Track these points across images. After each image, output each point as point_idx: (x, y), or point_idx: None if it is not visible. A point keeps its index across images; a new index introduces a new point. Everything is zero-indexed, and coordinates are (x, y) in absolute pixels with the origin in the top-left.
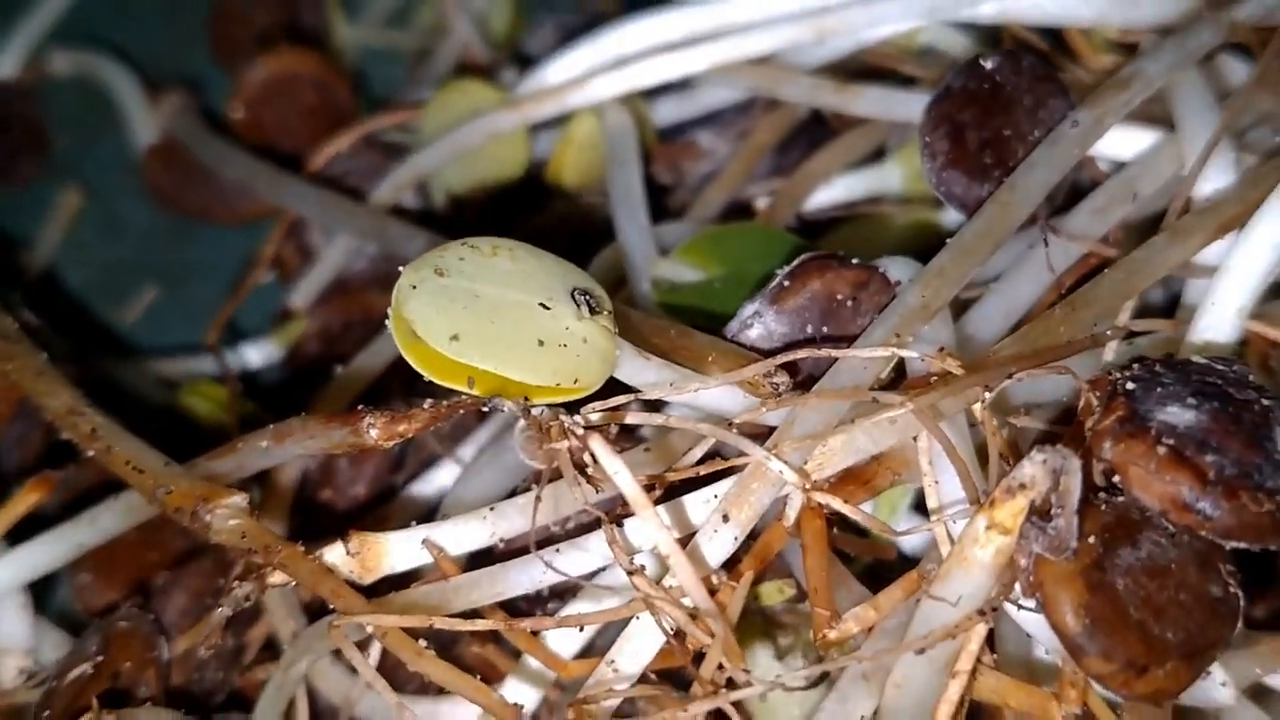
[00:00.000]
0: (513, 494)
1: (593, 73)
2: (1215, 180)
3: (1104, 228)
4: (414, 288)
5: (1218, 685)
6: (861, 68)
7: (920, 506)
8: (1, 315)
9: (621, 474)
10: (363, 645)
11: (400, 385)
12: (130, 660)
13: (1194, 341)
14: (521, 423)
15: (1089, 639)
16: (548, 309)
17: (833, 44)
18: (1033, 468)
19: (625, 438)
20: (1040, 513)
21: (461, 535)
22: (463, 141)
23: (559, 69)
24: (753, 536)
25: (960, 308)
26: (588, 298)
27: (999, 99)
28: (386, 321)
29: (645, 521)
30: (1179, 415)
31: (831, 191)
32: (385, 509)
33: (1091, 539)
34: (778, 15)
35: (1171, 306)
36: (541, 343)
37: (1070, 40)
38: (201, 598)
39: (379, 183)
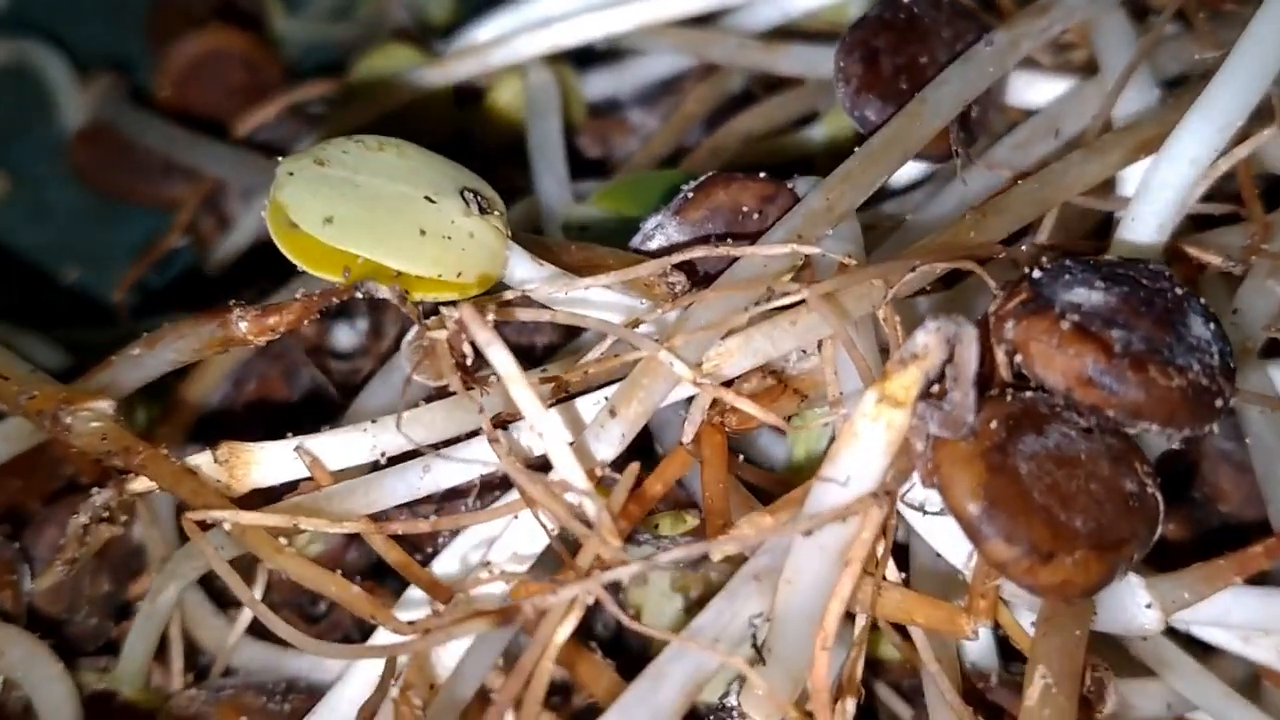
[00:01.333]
0: None
1: (517, 32)
2: (1135, 106)
3: (1025, 162)
4: (291, 175)
5: (1142, 608)
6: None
7: None
8: None
9: (502, 355)
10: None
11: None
12: None
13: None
14: (410, 335)
15: (988, 521)
16: (433, 202)
17: (762, 12)
18: (925, 336)
19: (522, 359)
20: (937, 396)
21: (340, 447)
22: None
23: (485, 30)
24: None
25: (875, 242)
26: (478, 197)
27: (916, 28)
28: (262, 212)
29: (524, 403)
30: (1086, 296)
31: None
32: None
33: (994, 424)
34: None
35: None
36: (423, 232)
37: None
38: None
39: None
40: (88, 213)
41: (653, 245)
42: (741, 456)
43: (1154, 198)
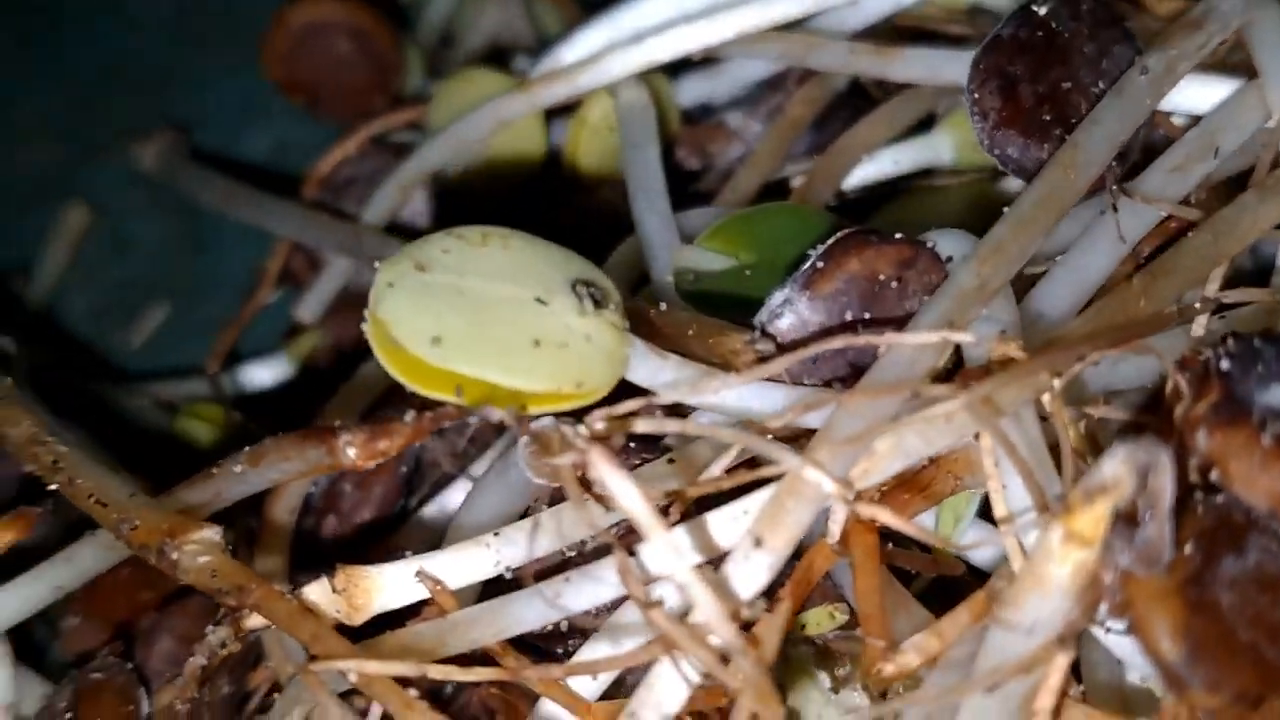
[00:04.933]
0: (524, 516)
1: (608, 50)
2: None
3: (1184, 189)
4: (390, 285)
5: None
6: (903, 32)
7: (990, 513)
8: None
9: (628, 491)
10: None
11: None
12: (104, 717)
13: None
14: (524, 436)
15: (1191, 667)
16: (545, 304)
17: (869, 6)
18: (1114, 466)
19: (645, 448)
20: (1126, 519)
21: (462, 565)
22: (470, 132)
23: (572, 49)
24: (796, 555)
25: (1024, 286)
26: (591, 290)
27: (1055, 47)
28: (363, 325)
29: (660, 548)
30: None
31: (875, 166)
32: (396, 536)
33: (1188, 548)
34: None
35: (1265, 273)
36: (538, 343)
37: None
38: (189, 643)
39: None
40: (172, 244)
41: (782, 324)
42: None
43: None
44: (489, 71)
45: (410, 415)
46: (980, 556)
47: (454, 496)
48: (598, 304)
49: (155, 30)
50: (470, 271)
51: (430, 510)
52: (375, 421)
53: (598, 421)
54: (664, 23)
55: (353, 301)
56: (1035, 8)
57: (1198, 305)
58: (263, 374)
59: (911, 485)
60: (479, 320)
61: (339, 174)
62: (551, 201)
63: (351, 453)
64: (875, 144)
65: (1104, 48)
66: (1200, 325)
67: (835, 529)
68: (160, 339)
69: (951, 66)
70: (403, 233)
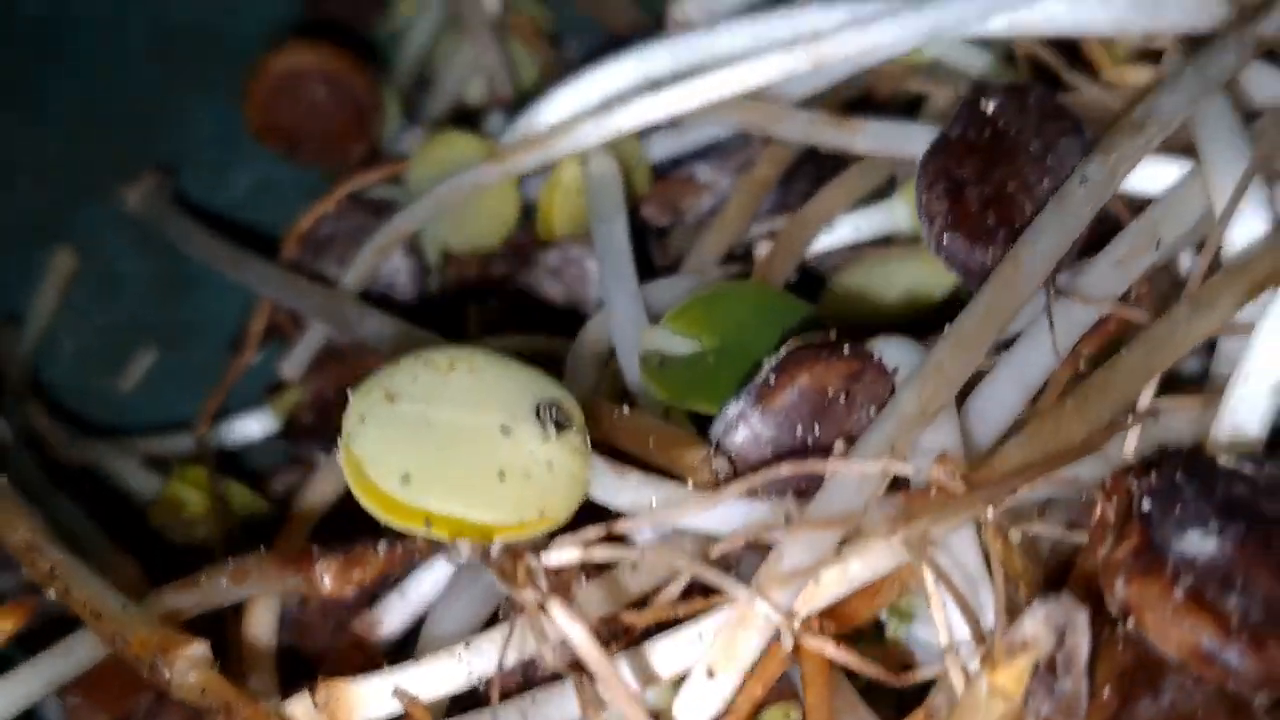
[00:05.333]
0: (493, 621)
1: (578, 117)
2: (1247, 227)
3: (1126, 282)
4: (362, 419)
5: None
6: (865, 88)
7: None
8: None
9: (583, 643)
10: None
11: None
12: None
13: (1224, 425)
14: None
15: None
16: (509, 432)
17: (830, 70)
18: (1034, 625)
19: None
20: (1048, 668)
21: (435, 677)
22: (447, 197)
23: (543, 115)
24: None
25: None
26: (554, 412)
27: (1001, 147)
28: (336, 453)
29: (612, 690)
30: (1199, 545)
31: (835, 234)
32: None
33: (1107, 691)
34: (769, 42)
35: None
36: (502, 475)
37: (1088, 51)
38: None
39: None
40: (159, 285)
41: (737, 438)
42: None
43: (1267, 354)
44: (464, 135)
45: (383, 546)
46: (931, 649)
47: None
48: (561, 427)
49: (137, 66)
50: (438, 399)
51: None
52: (349, 552)
53: (558, 550)
54: (630, 87)
55: (334, 354)
56: (983, 104)
57: (1129, 419)
58: (249, 427)
59: (860, 594)
60: (446, 453)
61: (318, 231)
62: (527, 255)
63: (327, 581)
64: (835, 213)
65: (1049, 142)
66: (1132, 442)
67: (786, 643)
68: (149, 383)
69: (909, 141)
70: (383, 296)
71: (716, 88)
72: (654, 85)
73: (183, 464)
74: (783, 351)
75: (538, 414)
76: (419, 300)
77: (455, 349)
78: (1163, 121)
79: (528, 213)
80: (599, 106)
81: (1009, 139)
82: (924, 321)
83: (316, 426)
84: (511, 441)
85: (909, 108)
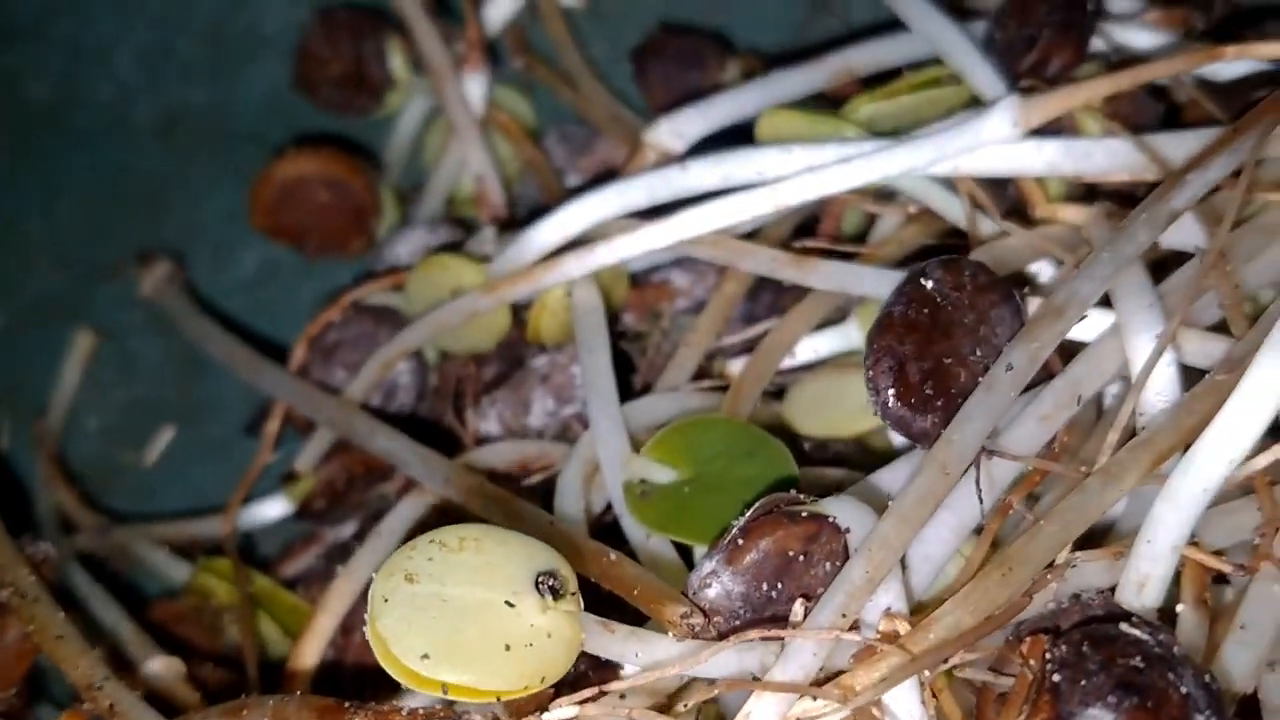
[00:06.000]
0: None
1: (563, 251)
2: (1158, 393)
3: (1050, 433)
4: (386, 600)
5: None
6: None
7: None
8: (19, 567)
9: None
10: None
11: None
12: None
13: (1130, 581)
14: None
15: None
16: (513, 606)
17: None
18: None
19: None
20: None
21: None
22: (445, 320)
23: (532, 243)
24: None
25: None
26: (552, 581)
27: (939, 323)
28: (364, 630)
29: None
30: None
31: (795, 357)
32: None
33: None
34: (734, 180)
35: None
36: (508, 647)
37: (1024, 188)
38: None
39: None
40: (176, 363)
41: (710, 594)
42: None
43: (1169, 518)
44: (458, 258)
45: (406, 710)
46: None
47: None
48: (557, 594)
49: (144, 146)
50: (450, 578)
51: None
52: (379, 711)
53: (555, 713)
54: (610, 217)
55: (344, 444)
56: (923, 281)
57: (1049, 577)
58: (267, 511)
59: None
60: (459, 629)
61: (325, 338)
62: (518, 359)
63: None
64: (795, 341)
65: (983, 314)
66: (1049, 598)
67: None
68: (171, 458)
69: (860, 282)
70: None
71: (687, 227)
72: (632, 216)
73: (208, 555)
74: (749, 514)
75: (537, 586)
76: (419, 394)
77: (464, 528)
78: (1081, 303)
79: (518, 310)
80: (582, 236)
81: (945, 314)
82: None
83: (328, 510)
84: (516, 614)
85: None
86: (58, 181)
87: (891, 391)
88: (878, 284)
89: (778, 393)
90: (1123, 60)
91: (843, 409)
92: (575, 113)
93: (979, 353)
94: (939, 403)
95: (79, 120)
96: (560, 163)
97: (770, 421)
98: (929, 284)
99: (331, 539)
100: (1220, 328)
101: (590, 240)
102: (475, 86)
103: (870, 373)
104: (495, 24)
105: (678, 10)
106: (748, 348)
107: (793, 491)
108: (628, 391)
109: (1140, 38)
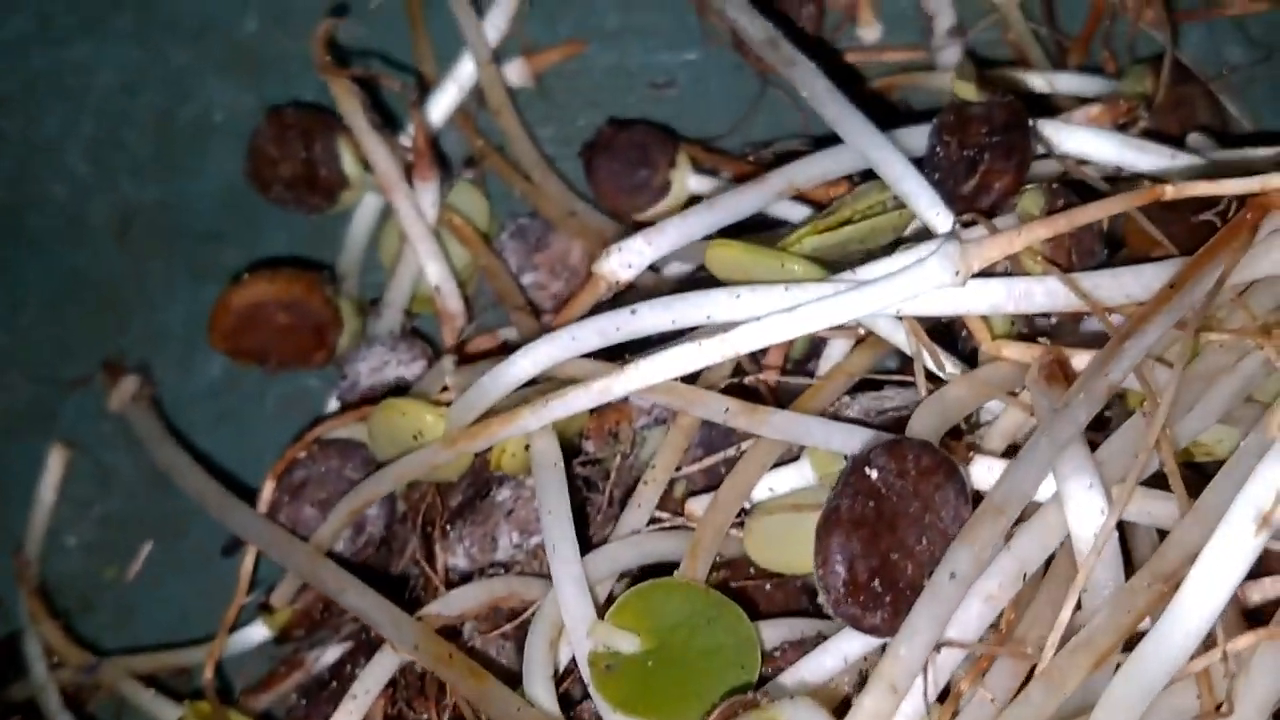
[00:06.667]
0: None
1: (519, 404)
2: (1102, 576)
3: (996, 612)
4: None
5: None
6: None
7: None
8: None
9: None
10: None
11: None
12: None
13: None
14: None
15: None
16: None
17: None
18: None
19: None
20: None
21: None
22: (408, 470)
23: (488, 391)
24: None
25: None
26: None
27: (884, 515)
28: None
29: None
30: None
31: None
32: None
33: None
34: (684, 324)
35: None
36: None
37: (970, 325)
38: None
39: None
40: (149, 476)
41: None
42: None
43: None
44: (415, 403)
45: None
46: None
47: None
48: None
49: (101, 247)
50: None
51: None
52: None
53: None
54: (565, 359)
55: None
56: (868, 471)
57: None
58: (248, 638)
59: None
60: None
61: (293, 475)
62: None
63: None
64: (750, 489)
65: (928, 500)
66: None
67: None
68: (150, 573)
69: (809, 433)
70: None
71: (639, 378)
72: (585, 356)
73: (193, 699)
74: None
75: None
76: (388, 523)
77: None
78: (1021, 499)
79: None
80: (540, 380)
81: (890, 505)
82: None
83: (307, 634)
84: None
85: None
86: (17, 289)
87: (842, 590)
88: (827, 436)
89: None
90: (1063, 180)
91: (800, 548)
92: (527, 205)
93: (925, 541)
94: (888, 598)
95: (33, 221)
96: (516, 260)
97: (733, 555)
98: (873, 474)
99: (314, 661)
100: (1159, 479)
101: (546, 383)
102: (427, 194)
103: (820, 571)
104: (440, 117)
105: (623, 94)
106: (708, 482)
107: (750, 694)
108: (587, 524)
109: (1081, 137)
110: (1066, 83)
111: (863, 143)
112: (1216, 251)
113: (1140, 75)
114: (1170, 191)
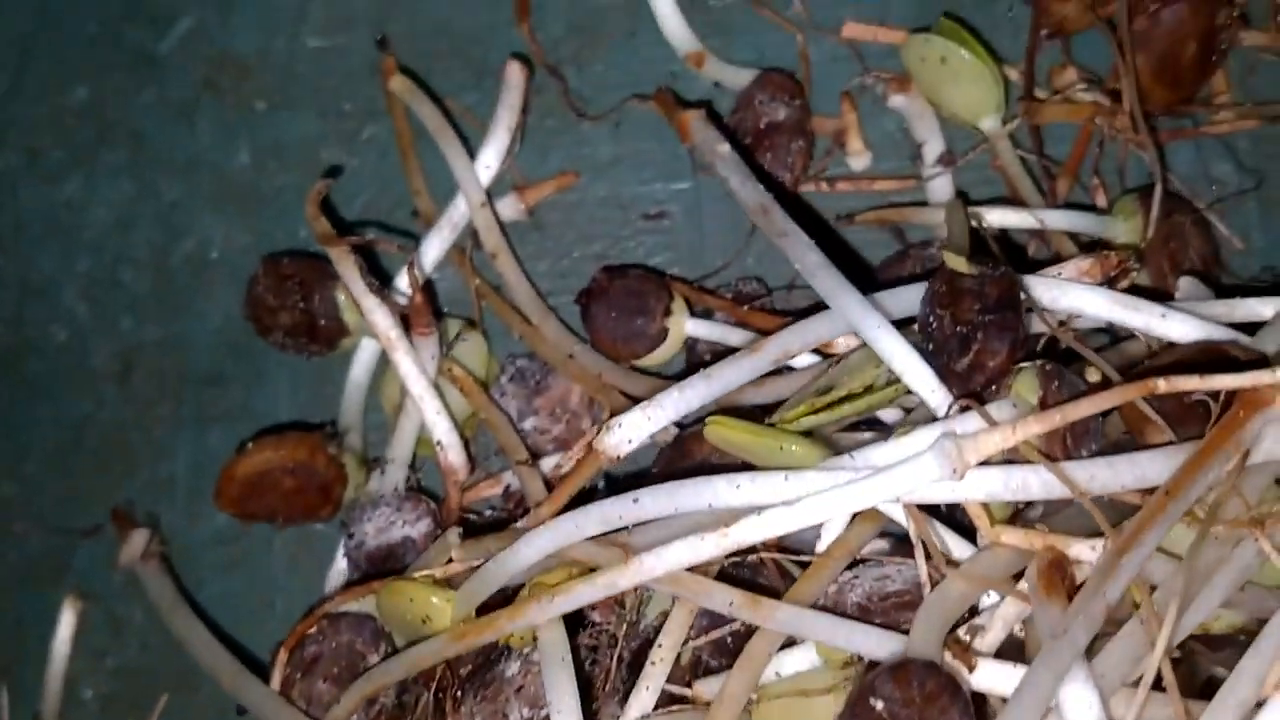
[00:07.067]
0: None
1: (526, 600)
2: None
3: None
4: None
5: None
6: None
7: None
8: None
9: None
10: None
11: None
12: None
13: None
14: None
15: None
16: None
17: None
18: None
19: None
20: None
21: None
22: (417, 659)
23: (493, 577)
24: None
25: None
26: None
27: None
28: None
29: None
30: None
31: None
32: None
33: None
34: (685, 509)
35: None
36: None
37: (969, 511)
38: None
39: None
40: (162, 627)
41: None
42: None
43: None
44: (423, 589)
45: None
46: None
47: None
48: None
49: (104, 390)
50: None
51: None
52: None
53: None
54: (569, 543)
55: None
56: (872, 701)
57: None
58: None
59: None
60: None
61: (304, 650)
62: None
63: None
64: (756, 680)
65: None
66: None
67: None
68: None
69: (816, 630)
70: None
71: (647, 571)
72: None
73: None
74: None
75: None
76: (400, 692)
77: None
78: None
79: None
80: (546, 556)
81: None
82: None
83: None
84: None
85: None
86: (23, 438)
87: None
88: (832, 634)
89: None
90: (1055, 353)
91: None
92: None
93: None
94: None
95: (35, 365)
96: (517, 405)
97: None
98: (879, 705)
99: None
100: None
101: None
102: (426, 349)
103: None
104: (435, 258)
105: (617, 226)
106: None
107: None
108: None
109: (1073, 295)
110: (1056, 219)
111: (858, 321)
112: (1210, 453)
113: (1130, 210)
114: (1162, 386)
